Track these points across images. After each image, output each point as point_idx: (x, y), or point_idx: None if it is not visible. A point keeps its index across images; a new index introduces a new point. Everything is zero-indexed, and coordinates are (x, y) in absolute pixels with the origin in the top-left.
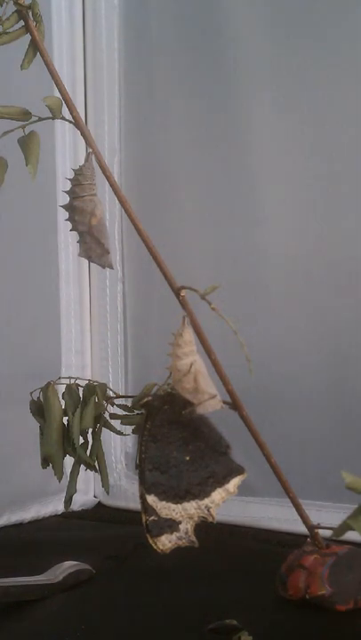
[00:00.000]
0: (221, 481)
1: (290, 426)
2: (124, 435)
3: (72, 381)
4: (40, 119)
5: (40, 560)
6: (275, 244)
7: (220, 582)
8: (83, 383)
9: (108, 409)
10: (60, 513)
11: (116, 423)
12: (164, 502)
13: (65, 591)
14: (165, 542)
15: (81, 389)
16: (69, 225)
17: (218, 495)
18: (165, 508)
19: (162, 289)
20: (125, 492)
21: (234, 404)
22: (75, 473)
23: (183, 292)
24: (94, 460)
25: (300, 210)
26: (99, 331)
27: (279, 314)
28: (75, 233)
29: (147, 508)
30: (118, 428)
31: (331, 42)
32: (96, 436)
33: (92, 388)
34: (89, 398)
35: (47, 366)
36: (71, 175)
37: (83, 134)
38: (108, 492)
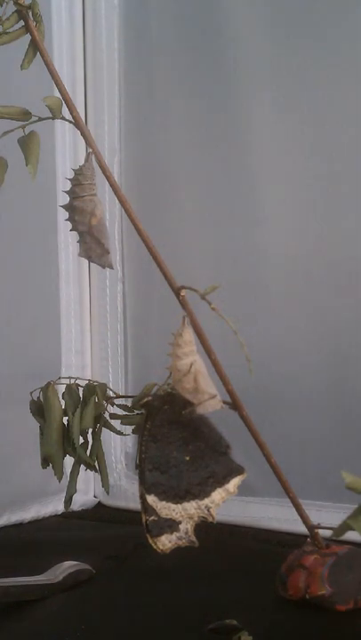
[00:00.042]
0: (221, 481)
1: (290, 426)
2: (124, 435)
3: (72, 381)
4: (40, 119)
5: (40, 560)
6: (275, 243)
7: (220, 582)
8: (83, 383)
9: (108, 409)
10: (60, 513)
11: (116, 423)
12: (164, 502)
13: (65, 591)
14: (165, 542)
15: (81, 389)
16: (69, 225)
17: (218, 495)
18: (165, 508)
19: (162, 289)
20: (125, 492)
21: (234, 404)
22: (75, 473)
23: (183, 292)
24: (94, 460)
25: (300, 210)
26: (99, 331)
27: (279, 314)
28: (75, 233)
29: (147, 507)
30: (118, 428)
31: (331, 42)
32: (96, 436)
33: (92, 388)
34: (89, 398)
35: (47, 366)
36: (71, 175)
37: (83, 134)
38: (108, 492)
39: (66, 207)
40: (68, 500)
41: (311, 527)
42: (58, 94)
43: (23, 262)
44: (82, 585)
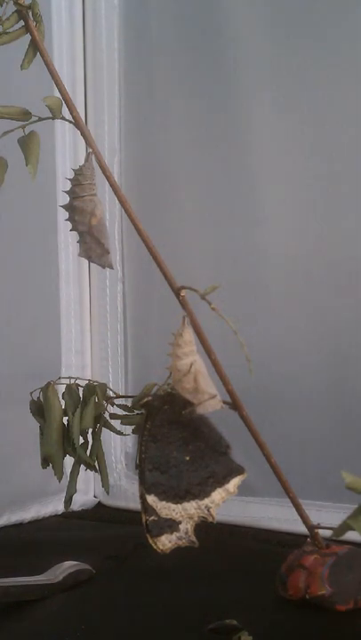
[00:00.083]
0: (221, 481)
1: (290, 426)
2: (124, 435)
3: (72, 381)
4: (40, 119)
5: (40, 560)
6: (275, 243)
7: (220, 582)
8: (83, 383)
9: (108, 409)
10: (60, 513)
11: (116, 423)
12: (164, 502)
13: (65, 591)
14: (165, 542)
15: (81, 389)
16: (69, 225)
17: (218, 495)
18: (165, 508)
19: (162, 289)
20: (125, 492)
21: (234, 404)
22: (75, 473)
23: (183, 292)
24: (94, 460)
25: (300, 210)
26: (99, 331)
27: (279, 314)
28: (75, 233)
29: (147, 507)
30: (118, 428)
31: (331, 42)
32: (96, 436)
33: (92, 388)
34: (89, 398)
35: (47, 366)
36: (71, 175)
37: (83, 134)
38: (108, 492)
39: (66, 207)
40: (68, 500)
41: (311, 527)
42: (58, 94)
43: (23, 262)
44: (82, 585)
